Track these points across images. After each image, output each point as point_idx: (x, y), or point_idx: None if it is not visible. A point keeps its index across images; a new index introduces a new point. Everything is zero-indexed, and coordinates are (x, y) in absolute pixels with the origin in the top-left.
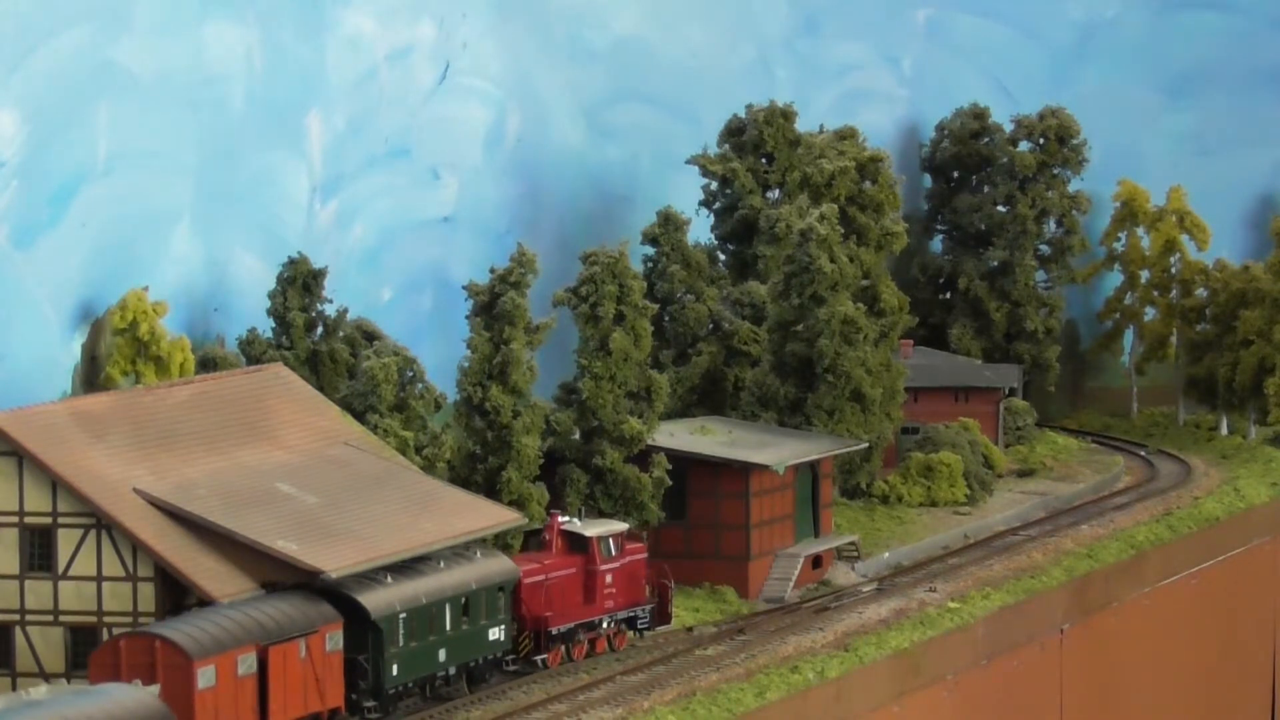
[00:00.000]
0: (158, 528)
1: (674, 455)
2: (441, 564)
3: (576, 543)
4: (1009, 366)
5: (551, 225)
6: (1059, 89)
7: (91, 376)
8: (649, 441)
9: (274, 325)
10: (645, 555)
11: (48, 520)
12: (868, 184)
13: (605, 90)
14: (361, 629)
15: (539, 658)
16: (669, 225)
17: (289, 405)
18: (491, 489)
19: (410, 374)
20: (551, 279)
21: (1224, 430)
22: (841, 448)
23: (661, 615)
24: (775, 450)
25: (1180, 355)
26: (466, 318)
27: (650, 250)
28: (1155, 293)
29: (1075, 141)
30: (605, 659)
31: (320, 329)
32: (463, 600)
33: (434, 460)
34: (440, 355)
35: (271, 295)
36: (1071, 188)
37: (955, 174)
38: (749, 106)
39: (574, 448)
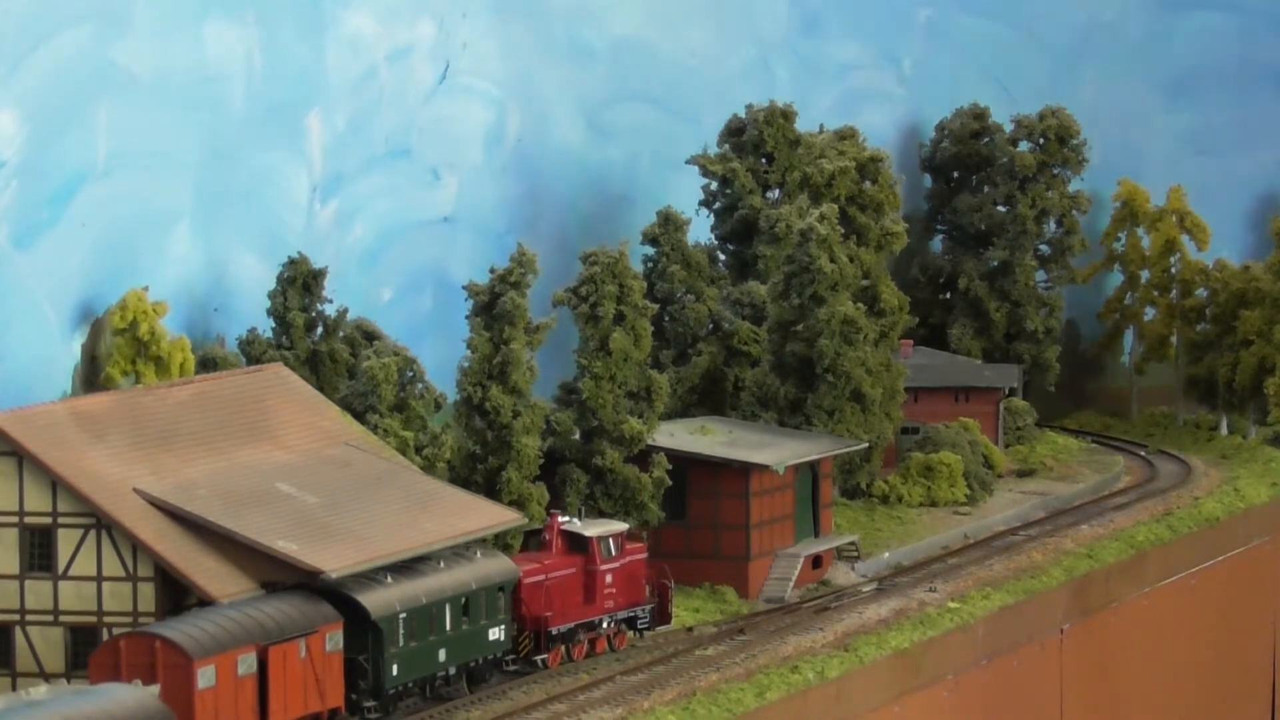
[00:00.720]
0: (158, 528)
1: (674, 455)
2: (441, 564)
3: (576, 543)
4: (1009, 366)
5: (551, 225)
6: (1059, 89)
7: (91, 376)
8: (649, 441)
9: (274, 325)
10: (645, 555)
11: (48, 520)
12: (868, 184)
13: (605, 90)
14: (361, 629)
15: (539, 658)
16: (669, 225)
17: (289, 405)
18: (491, 489)
19: (410, 374)
20: (551, 279)
21: (1224, 430)
22: (841, 448)
23: (661, 615)
24: (775, 450)
25: (1180, 355)
26: (466, 318)
27: (650, 250)
28: (1155, 293)
29: (1075, 141)
30: (605, 659)
31: (320, 329)
32: (463, 600)
33: (434, 460)
34: (440, 355)
35: (271, 295)
36: (1071, 188)
37: (955, 174)
38: (749, 106)
39: (574, 448)
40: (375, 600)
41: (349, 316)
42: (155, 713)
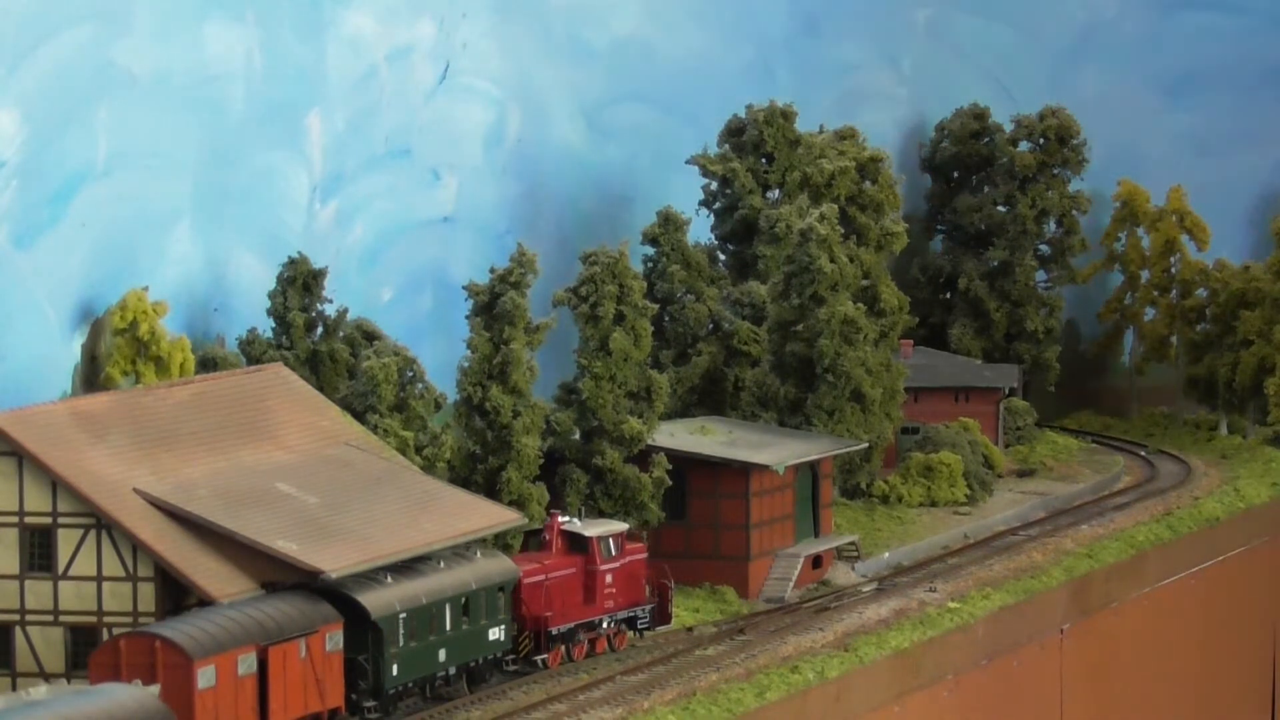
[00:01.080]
0: (158, 528)
1: (674, 455)
2: (441, 564)
3: (576, 543)
4: (1009, 366)
5: (551, 225)
6: (1059, 89)
7: (91, 376)
8: (649, 441)
9: (274, 325)
10: (645, 555)
11: (48, 520)
12: (868, 184)
13: (605, 90)
14: (361, 629)
15: (539, 658)
16: (669, 225)
17: (289, 405)
18: (491, 489)
19: (410, 374)
20: (551, 279)
21: (1224, 430)
22: (841, 448)
23: (661, 615)
24: (775, 450)
25: (1180, 355)
26: (466, 318)
27: (650, 250)
28: (1155, 293)
29: (1075, 141)
30: (605, 659)
31: (320, 329)
32: (463, 600)
33: (434, 460)
34: (440, 355)
35: (271, 295)
36: (1071, 188)
37: (955, 174)
38: (749, 106)
39: (574, 448)
40: (375, 600)
41: (349, 316)
42: (155, 713)
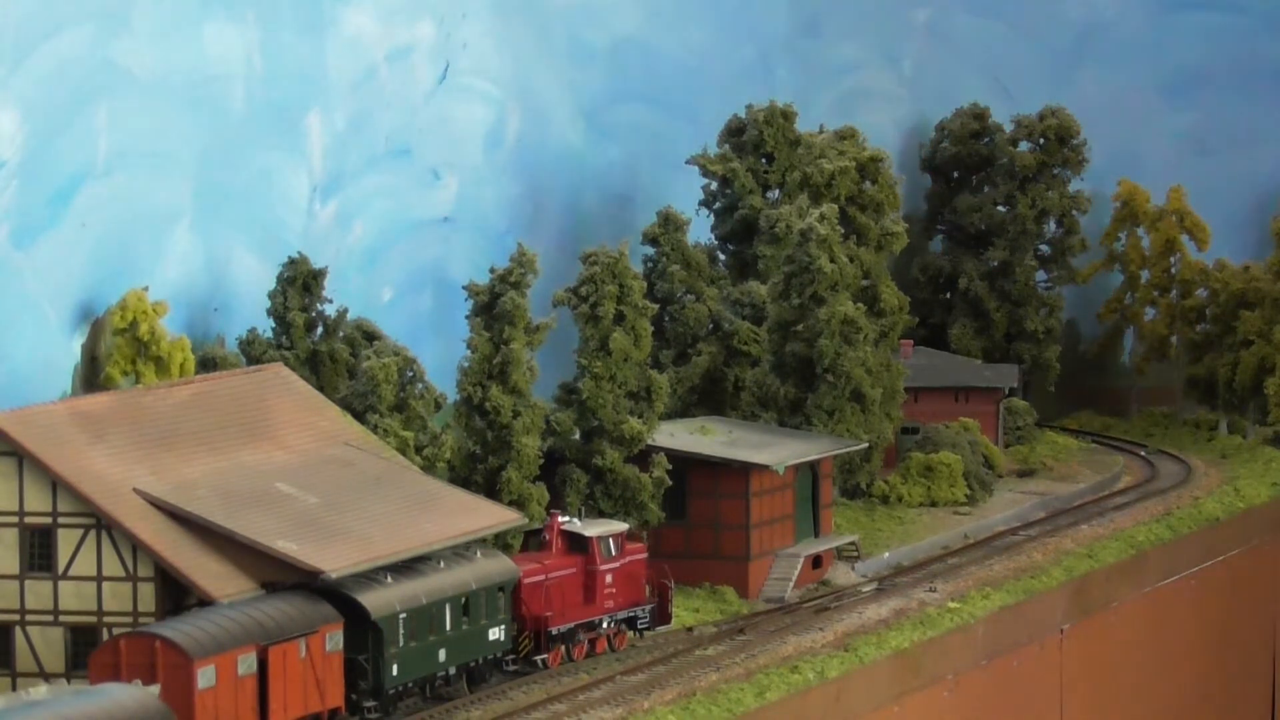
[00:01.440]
0: (158, 528)
1: (674, 455)
2: (441, 564)
3: (576, 543)
4: (1009, 366)
5: (551, 225)
6: (1059, 89)
7: (91, 376)
8: (649, 441)
9: (274, 325)
10: (645, 555)
11: (48, 520)
12: (868, 184)
13: (605, 90)
14: (361, 629)
15: (539, 658)
16: (669, 225)
17: (289, 405)
18: (491, 489)
19: (410, 374)
20: (551, 279)
21: (1224, 430)
22: (841, 448)
23: (661, 615)
24: (775, 450)
25: (1180, 355)
26: (466, 318)
27: (650, 250)
28: (1155, 293)
29: (1075, 141)
30: (605, 659)
31: (320, 329)
32: (463, 600)
33: (434, 460)
34: (440, 355)
35: (271, 295)
36: (1071, 188)
37: (955, 174)
38: (749, 106)
39: (574, 448)
40: (375, 600)
41: (349, 316)
42: (155, 713)
